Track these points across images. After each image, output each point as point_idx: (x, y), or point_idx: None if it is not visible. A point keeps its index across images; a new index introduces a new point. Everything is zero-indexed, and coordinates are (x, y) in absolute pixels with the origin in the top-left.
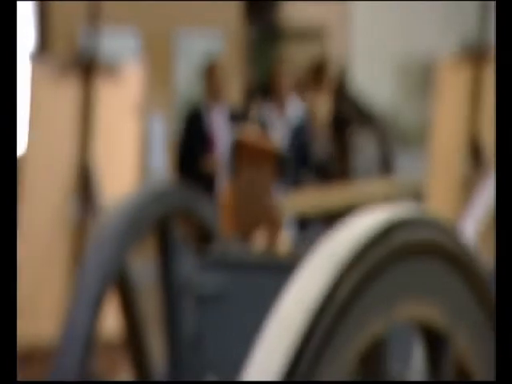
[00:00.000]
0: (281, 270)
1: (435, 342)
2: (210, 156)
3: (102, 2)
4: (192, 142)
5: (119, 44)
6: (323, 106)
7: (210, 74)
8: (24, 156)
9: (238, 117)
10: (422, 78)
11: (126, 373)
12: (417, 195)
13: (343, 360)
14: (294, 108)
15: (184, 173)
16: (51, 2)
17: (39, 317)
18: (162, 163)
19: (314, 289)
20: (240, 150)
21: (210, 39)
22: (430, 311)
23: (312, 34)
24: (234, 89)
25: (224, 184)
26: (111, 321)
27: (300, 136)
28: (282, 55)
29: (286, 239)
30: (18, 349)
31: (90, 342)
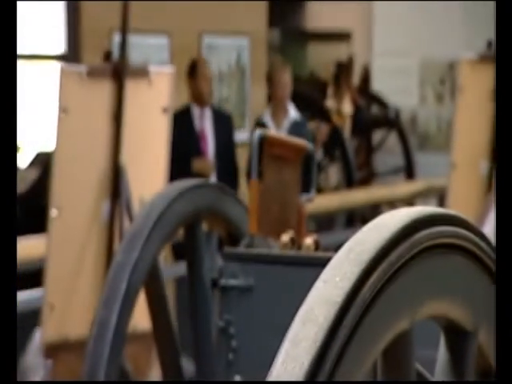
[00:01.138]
0: (307, 266)
1: (459, 338)
2: (203, 157)
3: (133, 4)
4: (184, 142)
5: (149, 47)
6: (348, 107)
7: (194, 75)
8: (57, 158)
9: (223, 119)
10: (444, 80)
11: (155, 370)
12: (439, 197)
13: (368, 356)
14: (294, 110)
15: (175, 174)
16: (82, 3)
17: (72, 315)
18: None
19: (341, 286)
20: (267, 146)
21: (237, 42)
22: (454, 308)
23: (337, 36)
24: (259, 92)
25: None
26: (142, 318)
27: (301, 137)
28: (307, 57)
29: (310, 238)
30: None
31: (120, 339)
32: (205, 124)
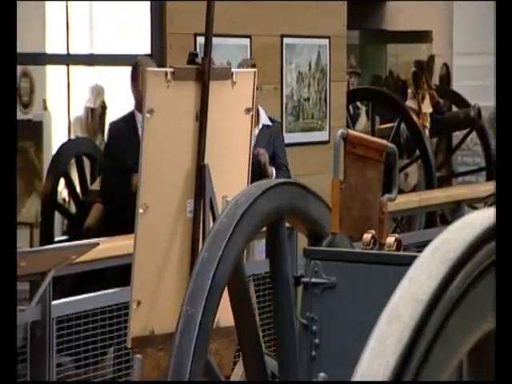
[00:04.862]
0: (389, 265)
1: None
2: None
3: (215, 7)
4: (126, 154)
5: (230, 48)
6: (428, 107)
7: (136, 79)
8: (143, 157)
9: None
10: None
11: (238, 366)
12: None
13: (453, 355)
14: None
15: (117, 189)
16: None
17: (158, 311)
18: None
19: (427, 284)
20: (349, 146)
21: (317, 43)
22: None
23: (416, 36)
24: (339, 92)
25: None
26: (225, 314)
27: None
28: (387, 58)
29: (392, 237)
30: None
31: (205, 335)
32: None
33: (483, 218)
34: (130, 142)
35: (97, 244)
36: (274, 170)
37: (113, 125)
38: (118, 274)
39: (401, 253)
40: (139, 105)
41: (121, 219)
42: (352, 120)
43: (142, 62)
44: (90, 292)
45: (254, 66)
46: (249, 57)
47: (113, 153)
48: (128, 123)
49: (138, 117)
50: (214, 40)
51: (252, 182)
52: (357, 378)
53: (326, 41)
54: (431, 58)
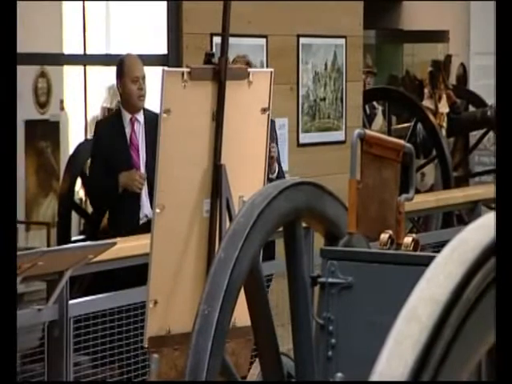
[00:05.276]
0: (406, 265)
1: None
2: (132, 170)
3: (233, 4)
4: (111, 153)
5: (246, 48)
6: (445, 106)
7: (121, 75)
8: (160, 157)
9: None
10: None
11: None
12: None
13: (472, 356)
14: None
15: (104, 190)
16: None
17: (175, 310)
18: (287, 166)
19: (445, 285)
20: (366, 146)
21: (333, 43)
22: None
23: (433, 36)
24: (355, 92)
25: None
26: (241, 314)
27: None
28: (403, 57)
29: (410, 237)
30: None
31: (222, 334)
32: (136, 132)
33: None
34: (118, 140)
35: (114, 244)
36: (277, 165)
37: (100, 124)
38: (135, 273)
39: (418, 253)
40: (125, 103)
41: (111, 220)
42: (368, 120)
43: (127, 59)
44: (107, 292)
45: (248, 63)
46: (241, 54)
47: (100, 152)
48: (115, 122)
49: (125, 115)
50: (230, 40)
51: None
52: (375, 378)
53: (343, 40)
54: (448, 57)
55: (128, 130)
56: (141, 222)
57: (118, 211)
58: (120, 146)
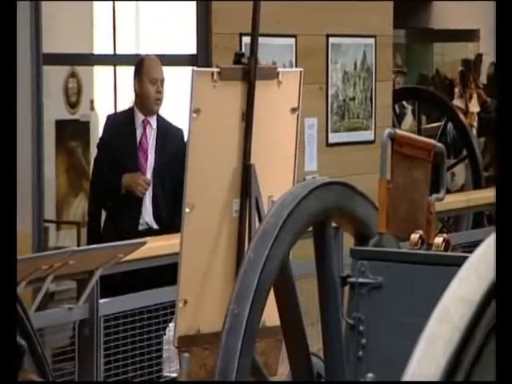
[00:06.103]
0: (437, 265)
1: None
2: (137, 172)
3: (262, 4)
4: (120, 152)
5: (275, 48)
6: (475, 106)
7: (140, 76)
8: (189, 157)
9: (171, 133)
10: None
11: (284, 366)
12: None
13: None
14: None
15: (106, 188)
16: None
17: (204, 310)
18: (316, 166)
19: (477, 285)
20: (396, 145)
21: (363, 42)
22: None
23: (463, 35)
24: (383, 93)
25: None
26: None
27: None
28: (433, 57)
29: (441, 237)
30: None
31: (252, 334)
32: (147, 136)
33: None
34: (127, 140)
35: (144, 243)
36: None
37: (111, 118)
38: (164, 273)
39: (449, 253)
40: (140, 104)
41: (108, 222)
42: (398, 119)
43: (147, 59)
44: (137, 291)
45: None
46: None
47: (107, 146)
48: (127, 119)
49: (138, 116)
50: (260, 40)
51: None
52: (407, 378)
53: (372, 40)
54: (478, 56)
55: (139, 132)
56: (140, 227)
57: (117, 213)
58: (128, 146)
